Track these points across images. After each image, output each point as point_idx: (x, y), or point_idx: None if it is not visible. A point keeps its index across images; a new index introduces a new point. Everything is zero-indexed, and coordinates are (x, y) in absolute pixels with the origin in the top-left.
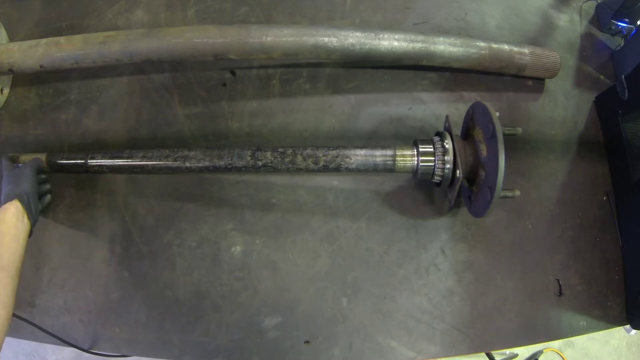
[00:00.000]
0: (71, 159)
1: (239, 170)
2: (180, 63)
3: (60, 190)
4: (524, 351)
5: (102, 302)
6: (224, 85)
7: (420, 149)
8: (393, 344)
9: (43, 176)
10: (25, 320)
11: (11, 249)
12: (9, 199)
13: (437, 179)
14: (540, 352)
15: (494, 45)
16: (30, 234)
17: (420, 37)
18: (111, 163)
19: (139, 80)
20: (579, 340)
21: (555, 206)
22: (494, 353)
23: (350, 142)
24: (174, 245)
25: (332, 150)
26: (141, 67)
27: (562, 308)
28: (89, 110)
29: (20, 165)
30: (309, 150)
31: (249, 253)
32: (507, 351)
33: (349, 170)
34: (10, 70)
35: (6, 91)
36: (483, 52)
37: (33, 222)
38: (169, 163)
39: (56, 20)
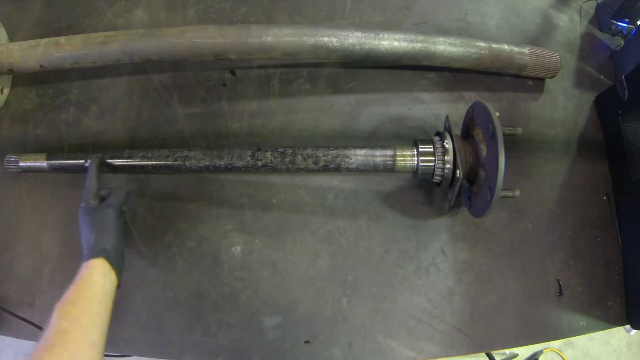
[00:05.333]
0: (71, 159)
1: (239, 170)
2: (180, 63)
3: (60, 191)
4: (524, 351)
5: None
6: (224, 85)
7: (420, 149)
8: (393, 344)
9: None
10: (25, 320)
11: (101, 318)
12: (93, 253)
13: (437, 179)
14: (540, 352)
15: (494, 45)
16: (118, 286)
17: (420, 37)
18: (111, 163)
19: (139, 80)
20: (579, 340)
21: (555, 206)
22: (494, 353)
23: (350, 142)
24: (174, 245)
25: (332, 150)
26: (141, 67)
27: (562, 308)
28: (89, 110)
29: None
30: (309, 150)
31: (249, 253)
32: (507, 351)
33: (349, 170)
34: (10, 70)
35: (6, 91)
36: (483, 52)
37: (119, 273)
38: (169, 163)
39: (56, 20)
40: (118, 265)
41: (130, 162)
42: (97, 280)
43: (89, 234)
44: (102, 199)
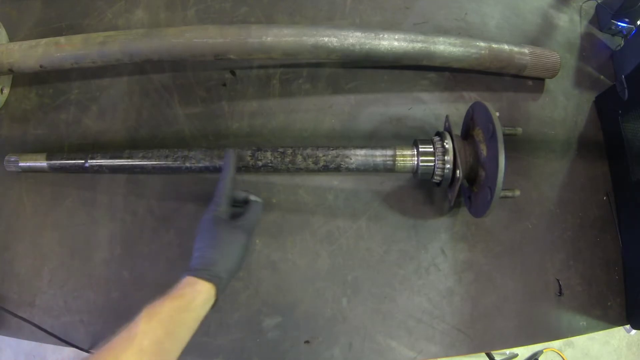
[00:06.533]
0: (71, 159)
1: (238, 170)
2: (180, 63)
3: (60, 191)
4: (524, 351)
5: (102, 302)
6: (224, 85)
7: (420, 149)
8: (393, 344)
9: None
10: (25, 320)
11: (182, 345)
12: (207, 275)
13: (437, 179)
14: (540, 352)
15: (494, 45)
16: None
17: (420, 37)
18: (111, 163)
19: (139, 80)
20: (579, 340)
21: (555, 206)
22: (494, 353)
23: (350, 142)
24: (174, 245)
25: (332, 150)
26: (141, 67)
27: (562, 308)
28: (89, 110)
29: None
30: (309, 150)
31: (248, 253)
32: (507, 351)
33: (349, 170)
34: (10, 70)
35: (6, 91)
36: (483, 52)
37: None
38: (169, 163)
39: (56, 20)
40: (219, 295)
41: (130, 162)
42: (196, 307)
43: (211, 250)
44: (235, 210)
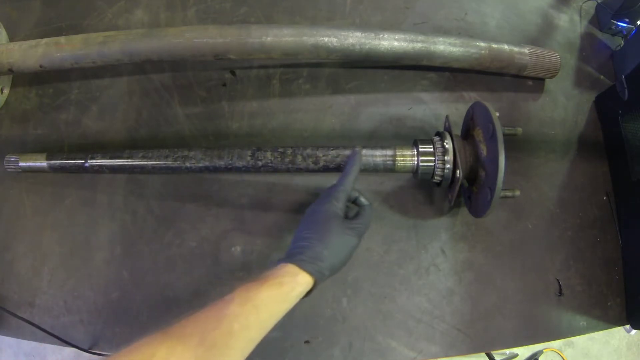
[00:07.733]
0: (71, 159)
1: (239, 170)
2: (180, 63)
3: (60, 190)
4: (524, 351)
5: (102, 302)
6: (224, 85)
7: (420, 149)
8: (393, 344)
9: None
10: (25, 320)
11: (265, 333)
12: (311, 269)
13: (437, 179)
14: (540, 352)
15: (494, 45)
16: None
17: (420, 37)
18: (111, 163)
19: (139, 80)
20: (579, 340)
21: (555, 206)
22: (494, 353)
23: (350, 142)
24: (174, 245)
25: (332, 150)
26: (141, 67)
27: (562, 308)
28: (89, 110)
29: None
30: (309, 150)
31: (249, 253)
32: (507, 351)
33: None
34: (10, 70)
35: (6, 91)
36: (483, 52)
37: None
38: (169, 163)
39: (56, 20)
40: (313, 292)
41: (130, 162)
42: (292, 298)
43: (320, 244)
44: (348, 211)
